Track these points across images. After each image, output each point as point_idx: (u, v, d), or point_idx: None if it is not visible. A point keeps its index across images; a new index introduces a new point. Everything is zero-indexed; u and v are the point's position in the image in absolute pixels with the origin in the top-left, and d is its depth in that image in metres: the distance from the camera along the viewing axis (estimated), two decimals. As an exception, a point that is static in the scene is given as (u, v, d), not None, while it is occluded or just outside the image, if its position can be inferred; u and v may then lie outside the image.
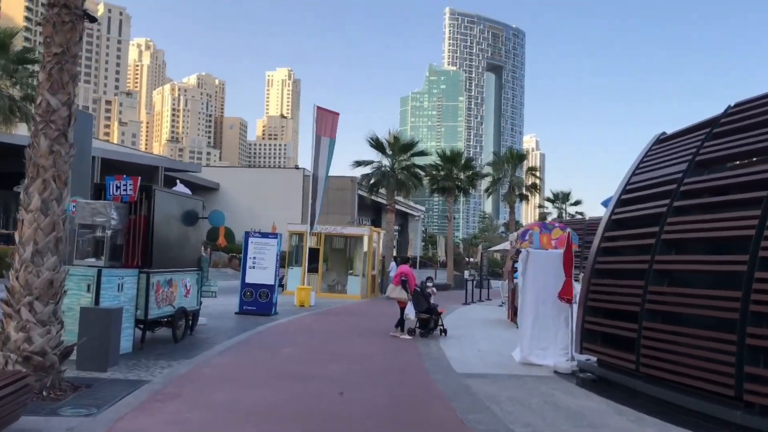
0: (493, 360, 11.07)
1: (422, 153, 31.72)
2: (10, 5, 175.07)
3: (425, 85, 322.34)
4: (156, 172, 43.12)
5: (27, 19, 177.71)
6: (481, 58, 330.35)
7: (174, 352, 10.37)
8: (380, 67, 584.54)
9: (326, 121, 22.14)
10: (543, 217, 50.02)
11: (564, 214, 52.73)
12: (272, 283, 17.21)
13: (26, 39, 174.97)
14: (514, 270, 22.45)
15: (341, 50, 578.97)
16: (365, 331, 14.41)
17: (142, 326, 10.52)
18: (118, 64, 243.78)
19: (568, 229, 17.12)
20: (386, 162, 31.10)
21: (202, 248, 13.94)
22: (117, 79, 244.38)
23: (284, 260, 27.24)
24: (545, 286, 10.74)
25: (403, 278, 13.97)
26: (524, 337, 10.89)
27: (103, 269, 9.34)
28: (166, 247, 10.97)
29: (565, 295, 10.15)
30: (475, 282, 29.21)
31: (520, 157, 43.70)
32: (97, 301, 9.08)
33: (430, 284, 15.68)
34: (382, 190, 33.98)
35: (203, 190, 53.92)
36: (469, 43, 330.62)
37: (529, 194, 44.35)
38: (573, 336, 10.34)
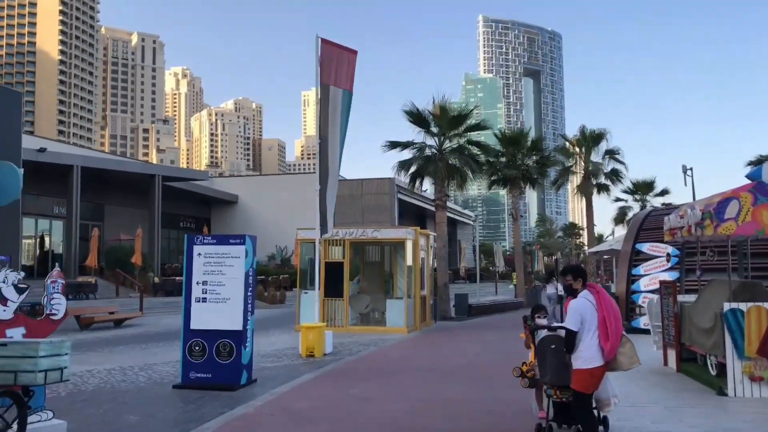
0: None
1: (480, 127, 23.21)
2: (46, 42, 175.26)
3: (462, 94, 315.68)
4: (152, 182, 35.72)
5: (62, 52, 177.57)
6: (517, 63, 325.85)
7: None
8: (415, 79, 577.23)
9: (337, 62, 14.18)
10: (624, 212, 40.95)
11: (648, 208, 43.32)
12: (239, 327, 9.27)
13: (61, 72, 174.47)
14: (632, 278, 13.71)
15: (375, 66, 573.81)
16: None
17: None
18: (154, 92, 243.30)
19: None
20: (431, 142, 22.98)
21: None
22: (153, 107, 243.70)
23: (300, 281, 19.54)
24: None
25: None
26: None
27: None
28: None
29: None
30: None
31: (596, 138, 34.86)
32: None
33: (542, 318, 7.50)
34: (427, 184, 25.77)
35: (219, 203, 46.73)
36: (504, 49, 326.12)
37: (610, 183, 35.54)
38: None
